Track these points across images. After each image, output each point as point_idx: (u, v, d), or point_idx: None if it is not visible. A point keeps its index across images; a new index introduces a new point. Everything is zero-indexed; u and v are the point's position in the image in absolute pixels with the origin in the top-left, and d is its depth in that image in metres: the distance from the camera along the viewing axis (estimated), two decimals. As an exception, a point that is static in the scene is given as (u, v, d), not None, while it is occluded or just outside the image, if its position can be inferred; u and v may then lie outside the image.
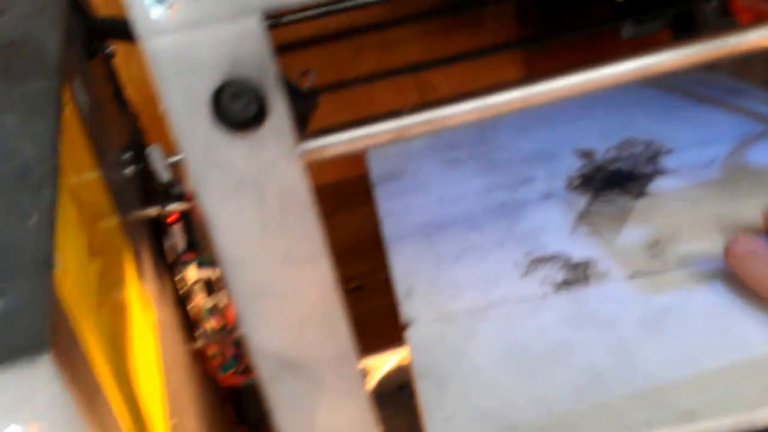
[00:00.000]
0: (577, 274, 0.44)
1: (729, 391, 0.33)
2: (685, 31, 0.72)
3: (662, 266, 0.43)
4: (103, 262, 0.31)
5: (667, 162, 0.58)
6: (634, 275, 0.43)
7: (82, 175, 0.32)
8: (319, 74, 0.86)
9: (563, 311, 0.41)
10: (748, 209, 0.47)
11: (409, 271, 0.48)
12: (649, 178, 0.56)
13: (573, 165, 0.61)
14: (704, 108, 0.68)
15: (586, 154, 0.63)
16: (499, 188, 0.59)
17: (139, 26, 0.24)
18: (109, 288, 0.31)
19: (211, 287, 0.58)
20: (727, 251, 0.39)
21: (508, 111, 0.30)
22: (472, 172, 0.64)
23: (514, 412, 0.34)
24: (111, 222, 0.35)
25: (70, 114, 0.32)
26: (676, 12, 0.68)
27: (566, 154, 0.63)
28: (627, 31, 0.73)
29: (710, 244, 0.44)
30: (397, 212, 0.58)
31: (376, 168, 0.69)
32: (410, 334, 0.41)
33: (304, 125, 0.68)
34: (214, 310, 0.58)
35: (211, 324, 0.57)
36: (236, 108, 0.26)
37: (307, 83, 0.71)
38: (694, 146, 0.60)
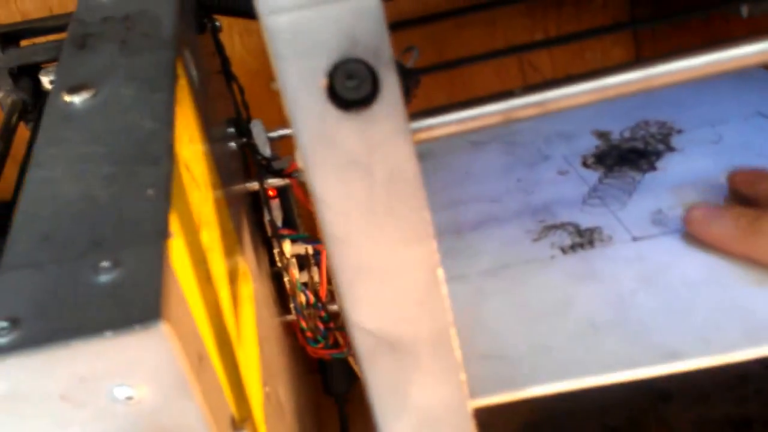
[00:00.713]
0: (585, 238, 0.48)
1: (711, 334, 0.37)
2: None
3: (662, 230, 0.47)
4: (209, 234, 0.32)
5: (677, 141, 0.62)
6: (635, 238, 0.47)
7: (193, 148, 0.33)
8: (420, 52, 0.90)
9: (568, 270, 0.45)
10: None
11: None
12: (659, 155, 0.60)
13: (590, 144, 0.65)
14: (716, 89, 0.71)
15: (602, 135, 0.67)
16: (519, 166, 0.63)
17: (260, 3, 0.25)
18: (214, 258, 0.32)
19: (303, 263, 0.62)
20: (686, 218, 0.43)
21: (619, 95, 0.30)
22: (495, 152, 0.68)
23: (513, 353, 0.38)
24: (217, 195, 0.36)
25: (182, 87, 0.32)
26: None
27: (584, 135, 0.67)
28: (745, 9, 0.75)
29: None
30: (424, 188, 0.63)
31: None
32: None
33: (407, 103, 0.72)
34: (306, 286, 0.62)
35: (302, 299, 0.61)
36: (350, 87, 0.26)
37: (410, 61, 0.76)
38: (703, 126, 0.63)
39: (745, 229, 0.39)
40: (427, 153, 0.71)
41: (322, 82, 0.26)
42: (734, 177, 0.45)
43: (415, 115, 0.29)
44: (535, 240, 0.50)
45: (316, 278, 0.62)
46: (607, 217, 0.51)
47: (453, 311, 0.43)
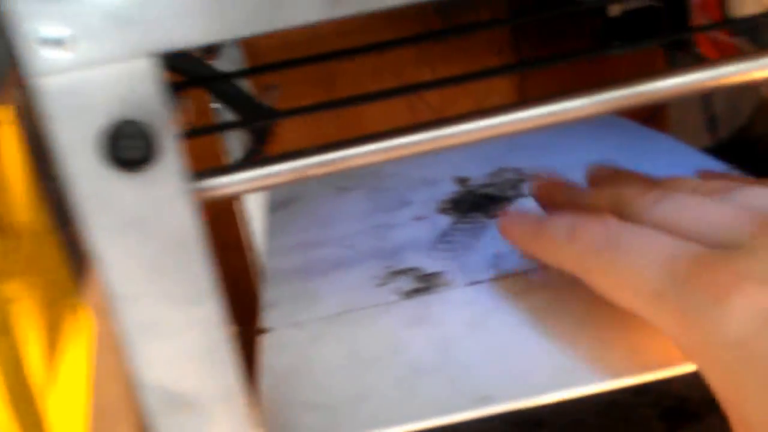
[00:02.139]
0: (426, 283, 0.49)
1: (521, 377, 0.37)
2: (677, 49, 0.77)
3: (497, 273, 0.48)
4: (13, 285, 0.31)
5: (527, 187, 0.63)
6: (471, 283, 0.48)
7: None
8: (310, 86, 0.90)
9: (403, 315, 0.45)
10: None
11: (279, 284, 0.52)
12: (509, 200, 0.61)
13: (449, 190, 0.66)
14: (572, 136, 0.74)
15: (462, 181, 0.68)
16: (379, 211, 0.64)
17: (28, 65, 0.25)
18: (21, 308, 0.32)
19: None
20: (498, 222, 0.46)
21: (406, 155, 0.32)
22: (358, 197, 0.68)
23: (335, 401, 0.38)
24: (42, 238, 0.36)
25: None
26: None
27: (446, 181, 0.68)
28: (617, 47, 0.78)
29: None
30: (282, 233, 0.63)
31: (274, 194, 0.74)
32: (263, 340, 0.45)
33: (262, 142, 0.72)
34: None
35: None
36: (126, 147, 0.26)
37: (269, 98, 0.76)
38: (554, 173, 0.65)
39: (533, 232, 0.41)
40: (294, 197, 0.71)
41: (97, 144, 0.26)
42: (535, 188, 0.48)
43: (201, 173, 0.29)
44: (379, 285, 0.50)
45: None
46: (451, 262, 0.51)
47: (288, 358, 0.43)
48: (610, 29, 0.83)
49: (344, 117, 1.01)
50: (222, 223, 0.95)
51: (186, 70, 0.44)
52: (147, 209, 0.27)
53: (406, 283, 0.49)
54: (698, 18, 0.56)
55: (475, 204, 0.62)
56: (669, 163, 0.62)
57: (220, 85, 0.48)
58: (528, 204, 0.59)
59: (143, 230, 0.27)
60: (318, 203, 0.69)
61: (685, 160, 0.62)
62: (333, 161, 0.30)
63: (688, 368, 0.36)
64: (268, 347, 0.44)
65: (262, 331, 0.46)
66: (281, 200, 0.72)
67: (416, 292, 0.48)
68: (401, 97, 1.01)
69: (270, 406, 0.38)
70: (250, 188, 0.30)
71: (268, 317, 0.48)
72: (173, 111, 0.26)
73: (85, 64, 0.25)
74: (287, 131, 1.01)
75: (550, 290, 0.45)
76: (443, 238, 0.56)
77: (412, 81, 1.01)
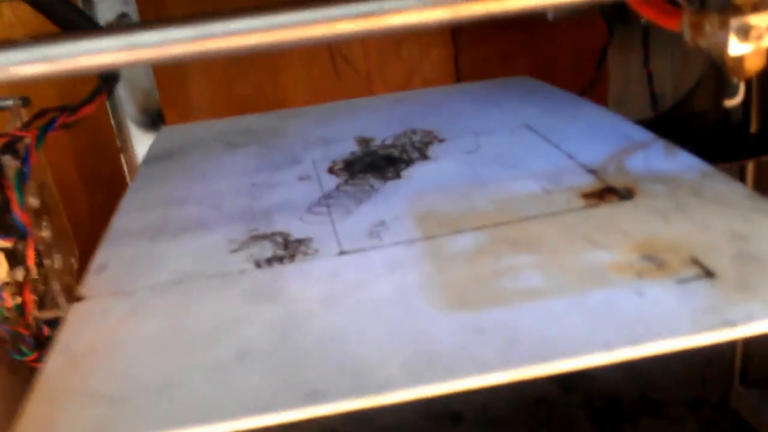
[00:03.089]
0: (289, 251, 0.40)
1: (366, 369, 0.29)
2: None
3: (375, 244, 0.40)
4: None
5: (434, 150, 0.55)
6: (342, 252, 0.39)
7: None
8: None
9: (251, 288, 0.36)
10: (483, 195, 0.45)
11: (119, 245, 0.43)
12: (410, 163, 0.53)
13: (347, 150, 0.58)
14: (497, 99, 0.66)
15: (364, 141, 0.60)
16: (263, 170, 0.55)
17: None
18: None
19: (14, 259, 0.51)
20: None
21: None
22: (248, 155, 0.60)
23: (133, 391, 0.29)
24: None
25: None
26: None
27: (347, 141, 0.60)
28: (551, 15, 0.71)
29: (436, 226, 0.41)
30: (146, 188, 0.54)
31: (155, 146, 0.65)
32: (74, 309, 0.36)
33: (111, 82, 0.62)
34: (6, 286, 0.51)
35: (4, 301, 0.51)
36: None
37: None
38: (466, 135, 0.57)
39: None
40: (175, 150, 0.62)
41: None
42: None
43: None
44: (234, 251, 0.41)
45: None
46: (325, 228, 0.43)
47: (96, 333, 0.34)
48: None
49: (262, 79, 0.93)
50: (109, 177, 0.86)
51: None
52: None
53: (266, 250, 0.41)
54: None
55: (372, 165, 0.53)
56: (593, 131, 0.54)
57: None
58: (430, 168, 0.51)
59: None
60: (199, 158, 0.60)
61: (611, 128, 0.54)
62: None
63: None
64: (75, 320, 0.35)
65: (78, 299, 0.37)
66: (160, 153, 0.63)
67: (274, 260, 0.39)
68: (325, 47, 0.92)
69: (41, 394, 0.29)
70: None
71: (91, 282, 0.39)
72: None
73: None
74: (195, 91, 0.92)
75: (431, 265, 0.37)
76: (323, 201, 0.47)
77: (339, 46, 0.93)
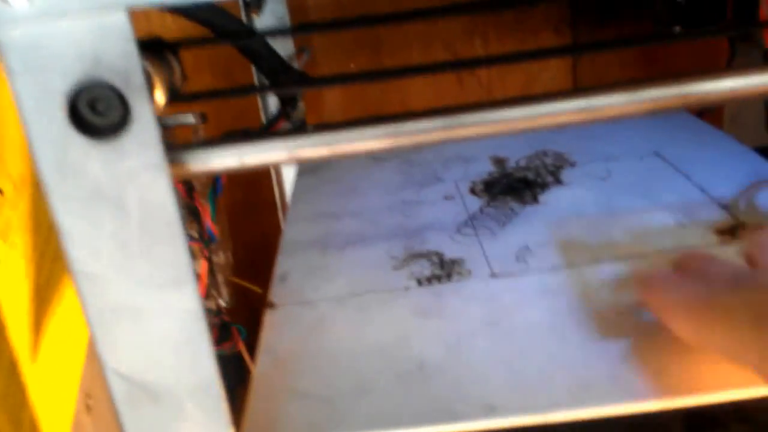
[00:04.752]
0: (445, 270, 0.45)
1: (535, 390, 0.34)
2: (741, 40, 0.72)
3: (523, 268, 0.44)
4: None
5: (567, 174, 0.59)
6: (494, 275, 0.44)
7: None
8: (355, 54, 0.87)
9: (417, 304, 0.42)
10: (620, 225, 0.49)
11: (294, 255, 0.50)
12: (545, 186, 0.57)
13: (484, 170, 0.62)
14: (623, 124, 0.69)
15: (499, 161, 0.64)
16: (409, 186, 0.61)
17: None
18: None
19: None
20: (640, 282, 0.38)
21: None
22: (392, 169, 0.65)
23: (332, 392, 0.35)
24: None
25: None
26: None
27: (483, 160, 0.65)
28: (678, 35, 0.74)
29: (577, 254, 0.45)
30: (306, 200, 0.60)
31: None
32: (268, 316, 0.42)
33: (292, 106, 0.69)
34: None
35: None
36: (95, 112, 0.23)
37: (300, 62, 0.73)
38: (596, 161, 0.61)
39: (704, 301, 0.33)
40: (323, 164, 0.68)
41: (64, 105, 0.22)
42: (682, 258, 0.39)
43: (177, 146, 0.25)
44: (396, 268, 0.47)
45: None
46: (474, 249, 0.48)
47: (291, 338, 0.40)
48: (674, 14, 0.77)
49: (389, 86, 0.98)
50: (255, 182, 0.93)
51: (211, 24, 0.41)
52: (118, 181, 0.23)
53: (424, 269, 0.46)
54: (766, 9, 0.51)
55: (509, 187, 0.58)
56: (720, 161, 0.57)
57: (250, 43, 0.44)
58: (565, 193, 0.55)
59: (113, 204, 0.24)
60: (349, 171, 0.66)
61: (738, 159, 0.57)
62: (330, 143, 0.26)
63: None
64: (272, 325, 0.41)
65: (270, 305, 0.43)
66: (309, 165, 0.69)
67: (434, 279, 0.45)
68: (447, 72, 0.97)
69: (259, 392, 0.35)
70: (231, 166, 0.26)
71: (279, 291, 0.45)
72: (157, 72, 0.23)
73: (53, 15, 0.21)
74: (329, 99, 0.98)
75: (576, 292, 0.41)
76: (470, 222, 0.52)
77: (463, 53, 0.97)
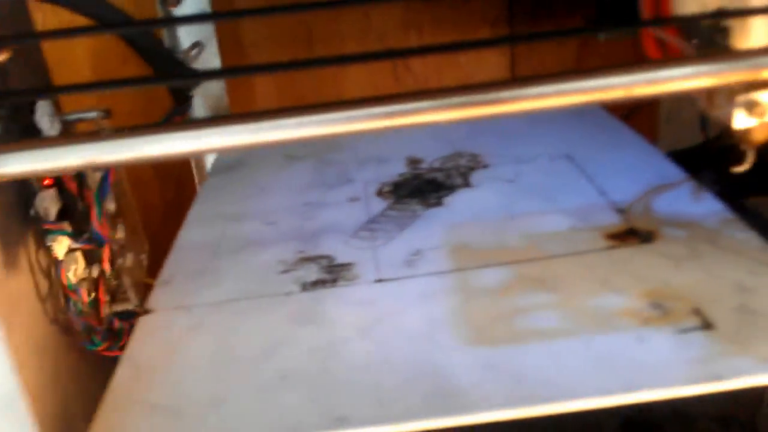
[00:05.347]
0: (332, 275, 0.45)
1: (392, 398, 0.33)
2: None
3: (410, 273, 0.44)
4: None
5: (477, 176, 0.59)
6: (379, 280, 0.43)
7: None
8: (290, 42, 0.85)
9: (295, 310, 0.41)
10: (515, 229, 0.48)
11: (184, 258, 0.49)
12: (452, 189, 0.57)
13: (396, 171, 0.61)
14: (543, 127, 0.69)
15: (414, 162, 0.64)
16: (317, 187, 0.60)
17: None
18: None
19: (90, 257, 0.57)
20: None
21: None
22: (305, 170, 0.64)
23: (186, 404, 0.34)
24: None
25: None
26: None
27: (397, 162, 0.64)
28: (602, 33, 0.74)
29: (466, 258, 0.45)
30: (210, 201, 0.59)
31: (222, 156, 0.70)
32: (141, 322, 0.41)
33: (184, 102, 0.67)
34: (83, 282, 0.57)
35: (80, 297, 0.56)
36: None
37: (192, 57, 0.72)
38: (509, 163, 0.60)
39: None
40: (236, 163, 0.67)
41: None
42: None
43: None
44: (283, 272, 0.46)
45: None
46: (367, 253, 0.47)
47: (158, 346, 0.39)
48: (602, 13, 0.77)
49: (323, 81, 0.97)
50: (180, 181, 0.91)
51: (90, 14, 0.40)
52: None
53: (311, 273, 0.45)
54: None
55: (417, 189, 0.57)
56: (628, 165, 0.57)
57: (140, 38, 0.43)
58: (470, 196, 0.55)
59: None
60: (262, 171, 0.65)
61: (646, 163, 0.57)
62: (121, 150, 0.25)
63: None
64: (142, 332, 0.40)
65: (145, 312, 0.42)
66: (225, 163, 0.68)
67: (319, 284, 0.44)
68: (381, 61, 0.96)
69: (109, 403, 0.34)
70: (26, 172, 0.25)
71: (158, 296, 0.44)
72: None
73: None
74: (259, 93, 0.97)
75: (457, 298, 0.41)
76: (369, 225, 0.52)
77: (398, 46, 0.96)
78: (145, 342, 0.39)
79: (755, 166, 0.66)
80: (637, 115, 0.83)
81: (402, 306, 0.40)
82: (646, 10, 0.40)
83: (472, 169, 0.60)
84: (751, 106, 0.34)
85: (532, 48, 0.99)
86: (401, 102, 0.26)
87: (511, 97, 0.26)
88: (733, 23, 0.33)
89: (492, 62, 1.01)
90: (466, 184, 0.57)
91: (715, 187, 0.58)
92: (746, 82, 0.32)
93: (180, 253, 0.49)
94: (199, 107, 0.82)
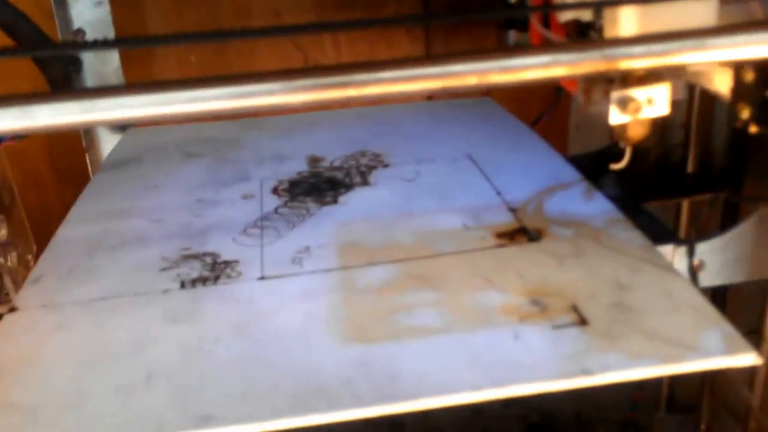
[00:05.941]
0: (214, 272, 0.44)
1: (257, 397, 0.32)
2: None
3: (295, 271, 0.43)
4: None
5: (376, 175, 0.58)
6: (263, 278, 0.42)
7: None
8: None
9: (172, 308, 0.39)
10: (407, 227, 0.48)
11: (59, 256, 0.47)
12: (350, 188, 0.56)
13: (294, 169, 0.61)
14: (448, 128, 0.69)
15: (315, 160, 0.63)
16: (212, 185, 0.58)
17: None
18: None
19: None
20: None
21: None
22: (202, 167, 0.63)
23: (40, 403, 0.32)
24: None
25: None
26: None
27: (298, 159, 0.63)
28: (511, 38, 0.75)
29: (354, 256, 0.44)
30: (96, 198, 0.57)
31: (116, 152, 0.68)
32: (6, 320, 0.39)
33: (66, 83, 0.65)
34: None
35: None
36: None
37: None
38: (410, 163, 0.60)
39: None
40: (135, 157, 0.65)
41: None
42: None
43: None
44: (164, 269, 0.44)
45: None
46: (254, 251, 0.46)
47: (21, 345, 0.37)
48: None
49: (231, 55, 0.95)
50: (78, 181, 0.88)
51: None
52: None
53: (193, 270, 0.44)
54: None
55: (314, 188, 0.57)
56: (528, 166, 0.57)
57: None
58: (367, 195, 0.54)
59: None
60: (156, 167, 0.63)
61: (545, 164, 0.58)
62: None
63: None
64: (4, 331, 0.38)
65: (11, 309, 0.40)
66: (119, 159, 0.66)
67: (199, 282, 0.43)
68: (284, 36, 0.95)
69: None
70: None
71: (27, 294, 0.42)
72: None
73: None
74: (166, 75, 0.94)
75: (339, 296, 0.40)
76: (259, 222, 0.51)
77: (312, 53, 0.95)
78: (8, 341, 0.37)
79: (656, 169, 0.67)
80: (547, 122, 0.84)
81: (281, 304, 0.40)
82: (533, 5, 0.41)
83: (372, 168, 0.60)
84: (624, 103, 0.35)
85: (448, 43, 1.00)
86: (249, 83, 0.26)
87: (364, 81, 0.25)
88: (605, 22, 0.34)
89: (406, 52, 1.02)
90: (365, 183, 0.57)
91: (615, 190, 0.60)
92: (603, 72, 0.32)
93: (54, 250, 0.47)
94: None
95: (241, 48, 0.92)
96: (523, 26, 0.72)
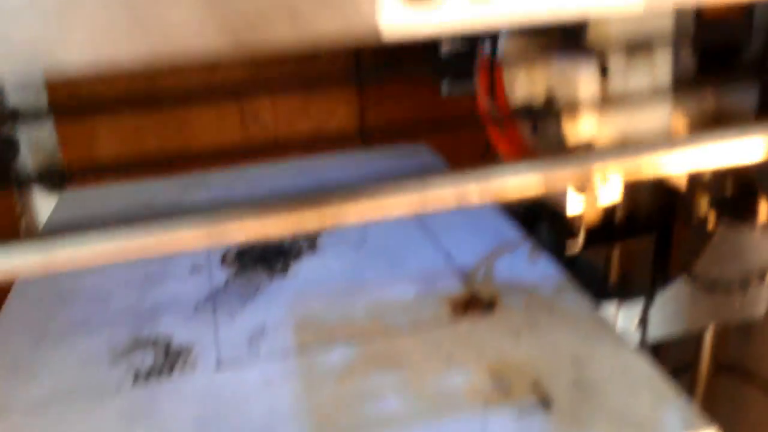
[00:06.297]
0: (169, 361, 0.43)
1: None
2: None
3: (253, 355, 0.42)
4: None
5: (323, 239, 0.58)
6: (220, 364, 0.42)
7: None
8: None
9: (126, 407, 0.38)
10: (361, 299, 0.48)
11: (4, 344, 0.45)
12: (299, 254, 0.56)
13: (241, 234, 0.60)
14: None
15: (259, 223, 0.62)
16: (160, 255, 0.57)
17: None
18: None
19: None
20: None
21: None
22: (143, 234, 0.61)
23: None
24: None
25: None
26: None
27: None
28: (445, 88, 0.76)
29: (311, 335, 0.44)
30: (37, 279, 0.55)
31: (52, 219, 0.66)
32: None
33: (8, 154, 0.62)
34: None
35: None
36: None
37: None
38: (355, 225, 0.60)
39: None
40: (70, 227, 0.63)
41: None
42: None
43: None
44: (114, 361, 0.43)
45: None
46: (207, 332, 0.45)
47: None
48: (440, 69, 0.79)
49: (167, 129, 0.94)
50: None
51: None
52: None
53: (146, 359, 0.43)
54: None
55: (262, 256, 0.56)
56: (475, 225, 0.58)
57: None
58: (316, 263, 0.54)
59: None
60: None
61: (484, 215, 0.59)
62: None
63: None
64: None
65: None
66: (56, 228, 0.64)
67: (153, 373, 0.42)
68: (237, 105, 0.95)
69: None
70: None
71: (-30, 397, 0.40)
72: None
73: None
74: (103, 147, 0.92)
75: (301, 383, 0.40)
76: (210, 299, 0.50)
77: (249, 104, 0.95)
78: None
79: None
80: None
81: (243, 396, 0.39)
82: (481, 85, 0.41)
83: (318, 231, 0.60)
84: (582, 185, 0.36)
85: (381, 100, 1.01)
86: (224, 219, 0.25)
87: (341, 204, 0.26)
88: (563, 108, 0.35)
89: (341, 113, 1.03)
90: (313, 247, 0.57)
91: (550, 242, 0.61)
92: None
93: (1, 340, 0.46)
94: (29, 165, 0.77)
95: (178, 100, 0.91)
96: (456, 76, 0.74)
